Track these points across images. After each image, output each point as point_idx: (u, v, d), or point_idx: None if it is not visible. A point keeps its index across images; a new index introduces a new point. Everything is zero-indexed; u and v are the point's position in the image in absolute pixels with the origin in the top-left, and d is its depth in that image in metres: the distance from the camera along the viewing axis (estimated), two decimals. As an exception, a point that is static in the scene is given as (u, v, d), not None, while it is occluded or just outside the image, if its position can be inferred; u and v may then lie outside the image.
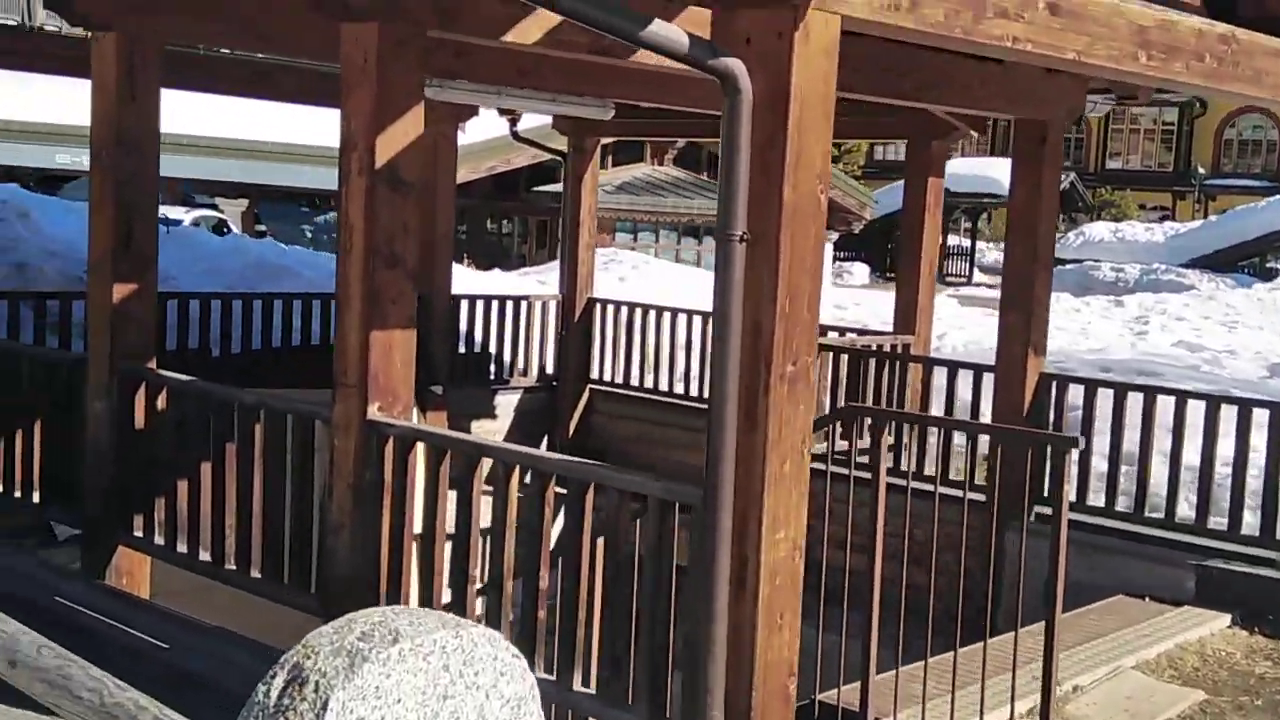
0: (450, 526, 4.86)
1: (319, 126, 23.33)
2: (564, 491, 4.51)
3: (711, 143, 29.45)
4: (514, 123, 13.19)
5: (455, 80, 7.41)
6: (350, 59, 4.97)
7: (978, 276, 42.04)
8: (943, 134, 9.79)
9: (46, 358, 6.47)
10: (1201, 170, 49.80)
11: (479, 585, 4.82)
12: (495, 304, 12.22)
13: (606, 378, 12.66)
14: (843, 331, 10.84)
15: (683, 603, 4.09)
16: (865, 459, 5.30)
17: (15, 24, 29.39)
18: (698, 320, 11.90)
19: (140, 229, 6.15)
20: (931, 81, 6.78)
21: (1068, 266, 34.71)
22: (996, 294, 9.73)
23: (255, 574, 5.55)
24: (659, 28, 3.56)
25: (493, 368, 12.31)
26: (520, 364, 12.39)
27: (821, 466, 6.40)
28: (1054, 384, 7.89)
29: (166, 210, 19.27)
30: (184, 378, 5.86)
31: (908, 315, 10.13)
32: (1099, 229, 41.58)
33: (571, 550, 4.44)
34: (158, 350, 10.09)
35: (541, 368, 12.57)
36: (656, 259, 22.15)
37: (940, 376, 9.13)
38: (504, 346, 12.28)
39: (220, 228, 20.57)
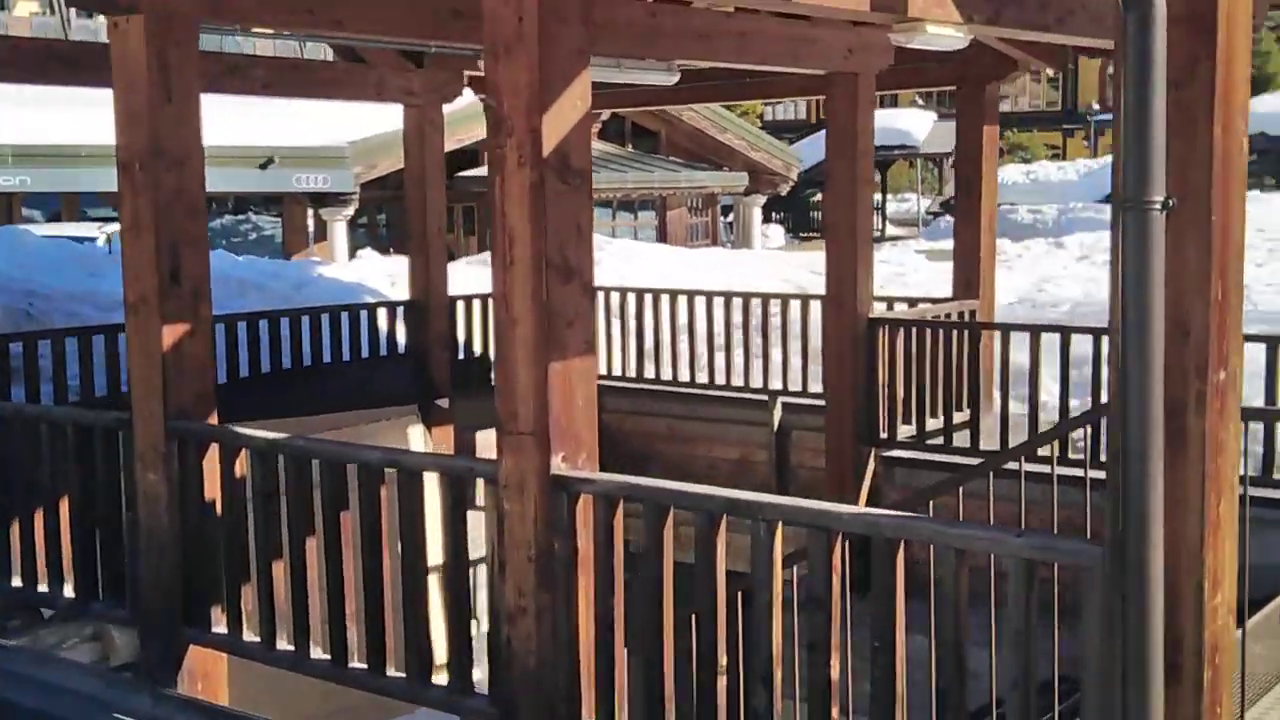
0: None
1: (212, 127, 21.85)
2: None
3: (634, 113, 28.44)
4: (487, 105, 11.96)
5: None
6: (499, 19, 3.88)
7: (891, 230, 41.83)
8: (1004, 74, 8.94)
9: (76, 421, 5.24)
10: (1096, 106, 50.21)
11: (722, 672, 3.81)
12: (490, 302, 11.08)
13: (615, 371, 11.64)
14: (890, 302, 9.93)
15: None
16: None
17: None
18: (705, 303, 11.01)
19: (190, 258, 4.97)
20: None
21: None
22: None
23: (395, 672, 4.45)
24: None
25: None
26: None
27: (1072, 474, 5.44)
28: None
29: (66, 227, 17.69)
30: (271, 435, 4.71)
31: (969, 279, 9.29)
32: (1010, 172, 41.52)
33: (884, 630, 3.44)
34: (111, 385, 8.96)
35: (545, 368, 11.48)
36: (616, 238, 21.05)
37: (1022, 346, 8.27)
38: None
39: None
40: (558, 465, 3.97)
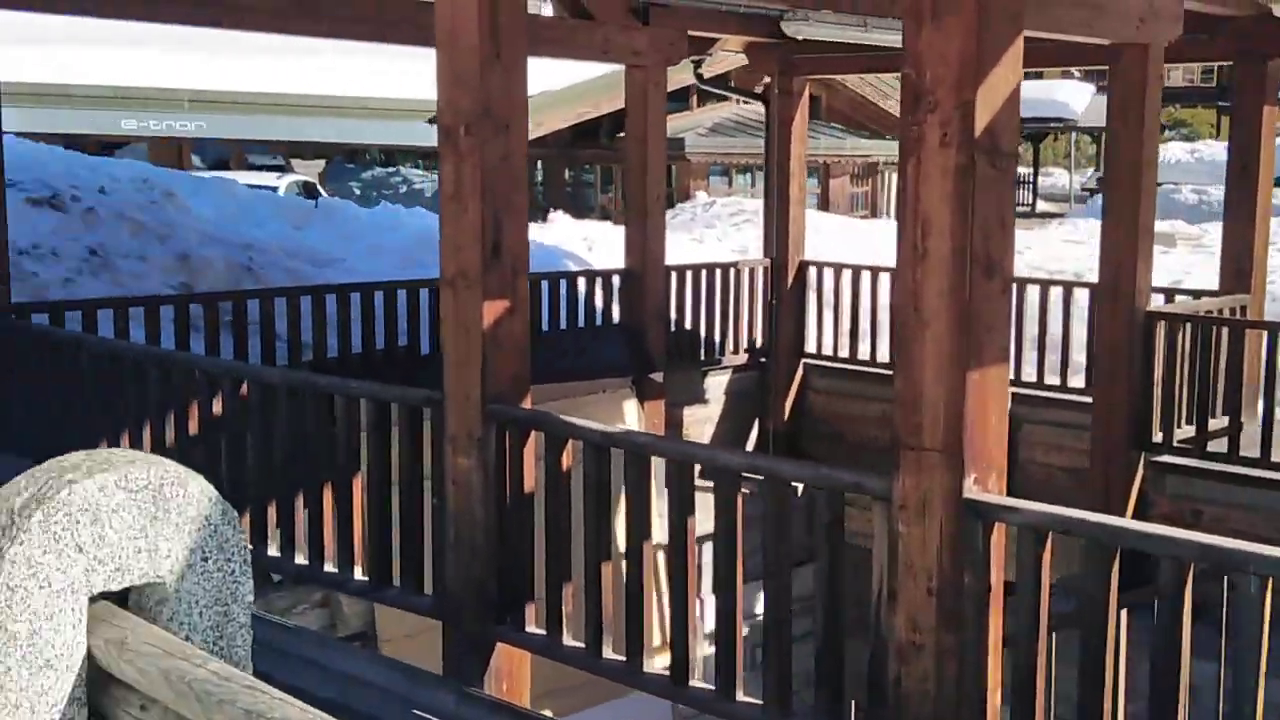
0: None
1: (385, 79, 21.71)
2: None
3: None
4: (699, 64, 11.53)
5: (820, 10, 5.84)
6: (934, -22, 3.43)
7: (1041, 205, 40.43)
8: (1290, 48, 8.23)
9: (375, 395, 4.95)
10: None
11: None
12: (704, 274, 10.70)
13: (825, 350, 11.17)
14: (1169, 295, 9.20)
15: None
16: None
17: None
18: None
19: (511, 229, 4.63)
20: None
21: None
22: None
23: (748, 698, 4.07)
24: None
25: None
26: (729, 340, 10.91)
27: None
28: None
29: (239, 175, 17.71)
30: (604, 428, 4.36)
31: (1241, 270, 8.61)
32: (1174, 150, 39.85)
33: None
34: (342, 348, 8.76)
35: (751, 343, 11.08)
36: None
37: None
38: (714, 321, 10.78)
39: (312, 191, 18.97)
40: (969, 488, 3.53)
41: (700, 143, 23.78)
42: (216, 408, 5.57)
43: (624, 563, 4.27)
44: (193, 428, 5.72)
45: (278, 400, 5.26)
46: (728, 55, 11.24)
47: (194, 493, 2.54)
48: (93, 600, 2.42)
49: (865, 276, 10.86)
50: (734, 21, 9.79)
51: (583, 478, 4.36)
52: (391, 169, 36.94)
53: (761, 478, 3.93)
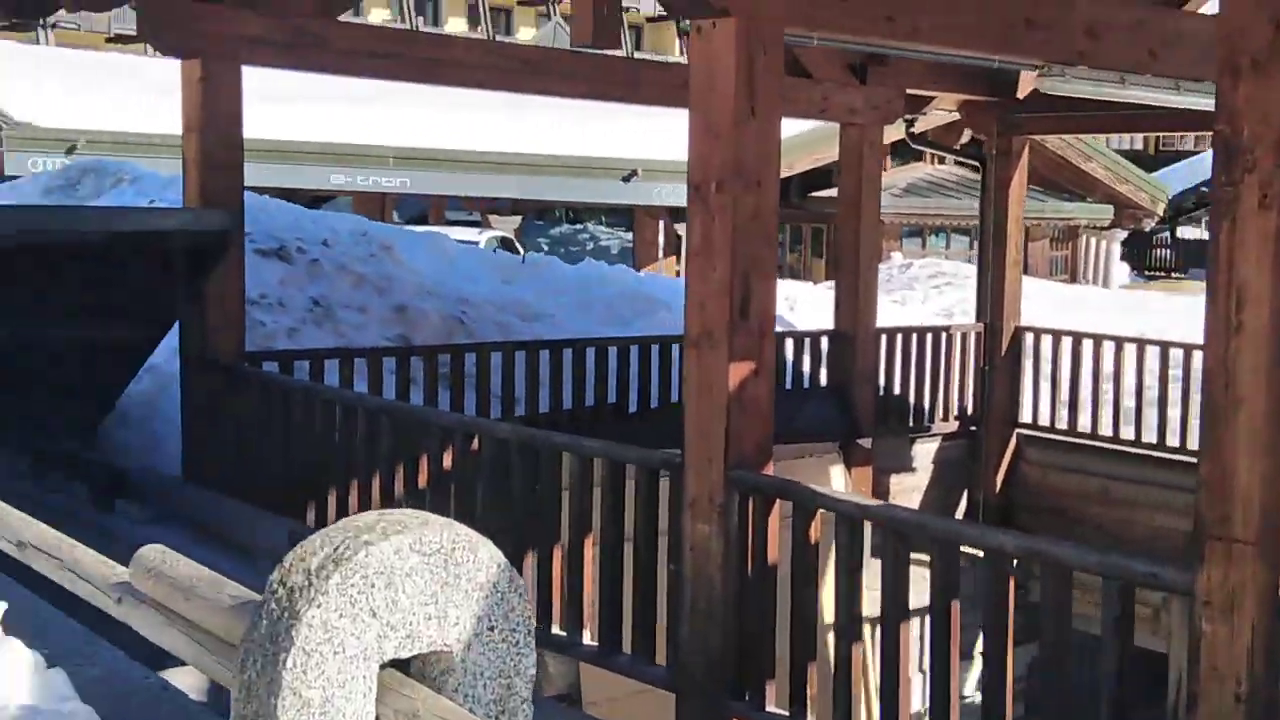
0: None
1: (583, 138, 22.02)
2: None
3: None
4: (912, 122, 11.28)
5: (1077, 66, 5.58)
6: (1246, 29, 3.16)
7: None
8: None
9: (610, 455, 4.84)
10: None
11: None
12: (915, 337, 10.39)
13: (1041, 421, 10.70)
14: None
15: None
16: None
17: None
18: (1135, 350, 9.99)
19: (760, 289, 4.47)
20: None
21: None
22: None
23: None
24: None
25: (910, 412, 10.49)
26: (939, 407, 10.55)
27: None
28: None
29: (440, 229, 18.12)
30: (858, 499, 4.14)
31: None
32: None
33: None
34: (554, 404, 8.75)
35: (962, 410, 10.70)
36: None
37: None
38: (923, 386, 10.44)
39: (509, 247, 19.31)
40: (1289, 584, 3.20)
41: (894, 203, 23.39)
42: (447, 461, 5.55)
43: (873, 640, 4.02)
44: (422, 480, 5.72)
45: (509, 456, 5.20)
46: (939, 114, 10.97)
47: (484, 558, 2.40)
48: (381, 668, 2.33)
49: (1087, 345, 10.39)
50: (954, 78, 9.53)
51: (834, 551, 4.15)
52: (579, 226, 37.53)
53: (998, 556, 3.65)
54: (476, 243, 17.61)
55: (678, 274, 23.20)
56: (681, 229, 22.95)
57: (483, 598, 2.54)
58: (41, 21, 39.37)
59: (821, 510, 4.26)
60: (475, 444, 5.40)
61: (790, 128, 21.72)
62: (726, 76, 4.32)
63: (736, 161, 4.35)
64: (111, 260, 6.23)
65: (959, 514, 10.72)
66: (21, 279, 6.17)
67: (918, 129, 11.67)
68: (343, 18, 7.82)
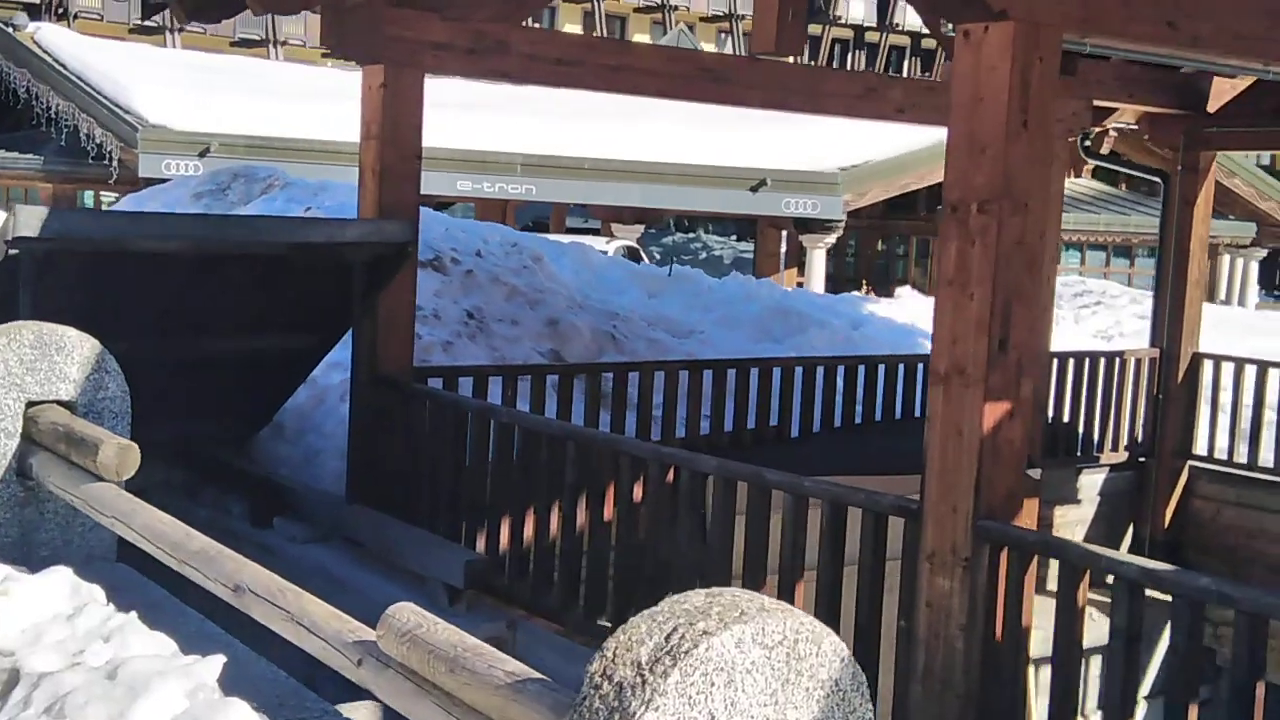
0: None
1: (706, 146, 21.65)
2: None
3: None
4: (1088, 135, 10.68)
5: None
6: None
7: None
8: None
9: (834, 498, 4.44)
10: None
11: None
12: (1086, 362, 9.82)
13: (1217, 454, 10.06)
14: None
15: None
16: None
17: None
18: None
19: (1021, 321, 4.05)
20: None
21: None
22: None
23: None
24: None
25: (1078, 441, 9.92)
26: (1108, 436, 9.97)
27: None
28: None
29: (559, 237, 17.89)
30: (1143, 562, 3.69)
31: None
32: None
33: None
34: (714, 426, 8.37)
35: (1132, 440, 10.09)
36: (1130, 288, 19.10)
37: None
38: (1093, 414, 9.86)
39: (634, 256, 19.04)
40: None
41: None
42: (637, 492, 5.21)
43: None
44: (607, 512, 5.39)
45: (711, 490, 4.83)
46: (1119, 126, 10.38)
47: (827, 651, 2.13)
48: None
49: (1273, 375, 9.74)
50: (1143, 89, 8.97)
51: (1109, 622, 3.70)
52: (691, 234, 37.18)
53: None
54: (605, 252, 17.33)
55: (799, 285, 22.72)
56: (807, 240, 22.49)
57: (823, 697, 2.17)
58: (169, 24, 40.15)
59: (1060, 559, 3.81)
60: (670, 475, 5.05)
61: (917, 139, 21.15)
62: (998, 86, 3.90)
63: (1005, 180, 3.93)
64: (288, 270, 6.00)
65: (1123, 549, 10.13)
66: (190, 287, 5.96)
67: (1094, 142, 11.12)
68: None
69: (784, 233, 23.71)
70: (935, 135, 22.18)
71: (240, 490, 6.78)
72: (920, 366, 8.97)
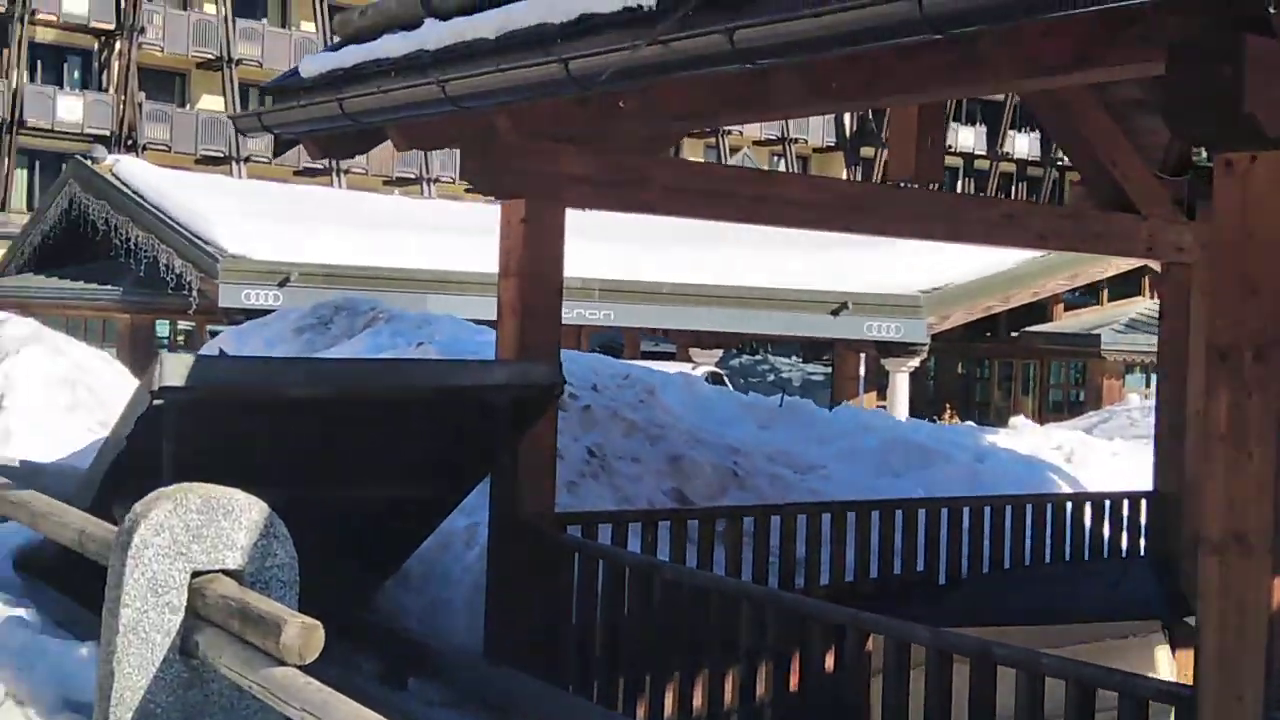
0: None
1: (782, 269, 21.45)
2: None
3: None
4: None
5: None
6: None
7: None
8: None
9: (1082, 679, 3.94)
10: None
11: None
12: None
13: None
14: None
15: None
16: None
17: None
18: None
19: (1311, 480, 3.59)
20: None
21: None
22: None
23: None
24: None
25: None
26: None
27: None
28: None
29: (652, 364, 17.60)
30: None
31: None
32: None
33: None
34: (859, 572, 7.88)
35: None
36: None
37: None
38: None
39: (717, 382, 18.69)
40: None
41: (1118, 340, 22.17)
42: (829, 661, 4.74)
43: None
44: (793, 681, 4.91)
45: (921, 663, 4.35)
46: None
47: None
48: None
49: None
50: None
51: None
52: (757, 356, 36.89)
53: None
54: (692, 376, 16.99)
55: (879, 408, 22.26)
56: (890, 364, 22.06)
57: None
58: (234, 154, 40.97)
59: None
60: (869, 644, 4.58)
61: (1004, 258, 20.82)
62: (1272, 221, 3.51)
63: (1286, 327, 3.52)
64: (431, 414, 5.66)
65: None
66: (328, 433, 5.63)
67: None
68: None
69: (862, 355, 23.33)
70: (1017, 256, 21.75)
71: (370, 646, 6.36)
72: (1069, 506, 8.48)
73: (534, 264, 6.07)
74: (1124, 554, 8.76)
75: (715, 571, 6.62)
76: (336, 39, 5.94)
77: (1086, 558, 8.52)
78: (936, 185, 7.48)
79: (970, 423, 16.01)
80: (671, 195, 6.43)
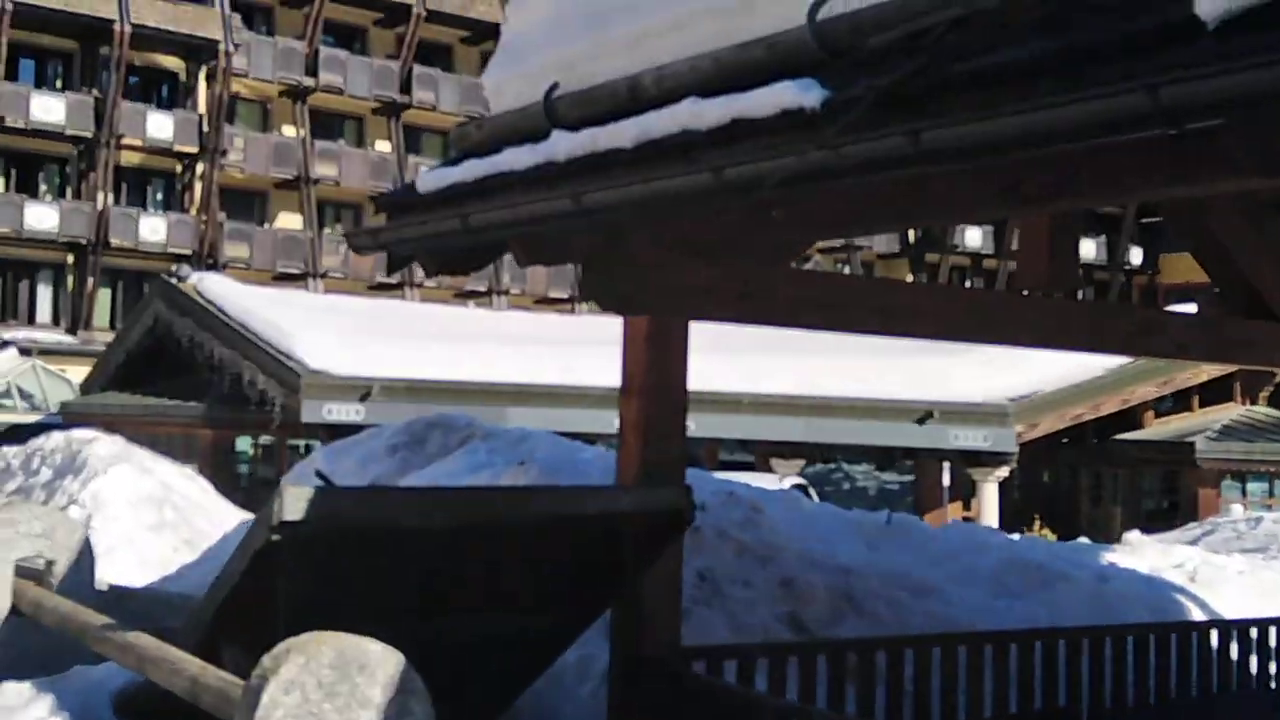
0: None
1: (865, 379, 21.04)
2: None
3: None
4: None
5: None
6: None
7: None
8: None
9: None
10: None
11: None
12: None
13: None
14: None
15: None
16: None
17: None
18: None
19: None
20: None
21: None
22: None
23: None
24: None
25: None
26: None
27: None
28: None
29: (733, 476, 17.17)
30: None
31: None
32: None
33: None
34: (998, 708, 7.37)
35: None
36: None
37: None
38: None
39: (805, 493, 18.21)
40: None
41: (1211, 447, 21.42)
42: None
43: None
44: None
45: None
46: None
47: None
48: None
49: None
50: None
51: None
52: (831, 465, 36.22)
53: None
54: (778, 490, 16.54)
55: (965, 519, 21.57)
56: (977, 473, 21.44)
57: None
58: (311, 270, 41.50)
59: None
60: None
61: (1093, 364, 20.26)
62: None
63: None
64: (554, 543, 5.32)
65: None
66: (446, 564, 5.31)
67: None
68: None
69: (945, 464, 22.72)
70: (1106, 363, 21.08)
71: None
72: (1215, 634, 7.90)
73: (659, 381, 5.76)
74: (1273, 686, 8.14)
75: (850, 711, 6.16)
76: (453, 153, 5.75)
77: (1234, 689, 7.91)
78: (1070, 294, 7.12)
79: (1083, 539, 15.34)
80: (796, 307, 6.13)
